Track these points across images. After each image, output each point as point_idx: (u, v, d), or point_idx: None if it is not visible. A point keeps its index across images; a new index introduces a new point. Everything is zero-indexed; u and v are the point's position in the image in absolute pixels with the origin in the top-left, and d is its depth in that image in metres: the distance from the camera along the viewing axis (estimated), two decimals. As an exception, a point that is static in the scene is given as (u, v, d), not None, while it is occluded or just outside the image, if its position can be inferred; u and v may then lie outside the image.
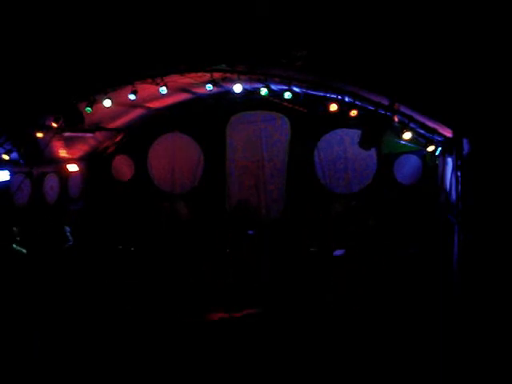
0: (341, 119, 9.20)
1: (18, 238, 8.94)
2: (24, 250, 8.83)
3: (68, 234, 10.17)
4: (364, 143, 7.89)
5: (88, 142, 11.29)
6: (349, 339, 7.47)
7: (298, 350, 7.26)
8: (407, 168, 10.75)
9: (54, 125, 8.47)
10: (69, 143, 10.71)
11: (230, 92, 8.60)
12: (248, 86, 8.79)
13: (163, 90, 8.23)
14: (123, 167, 12.49)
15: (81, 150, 11.51)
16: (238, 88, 8.21)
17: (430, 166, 10.07)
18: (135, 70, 7.86)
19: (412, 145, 8.65)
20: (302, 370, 6.74)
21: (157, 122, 11.91)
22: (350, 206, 11.00)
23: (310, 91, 8.69)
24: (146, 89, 8.41)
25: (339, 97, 7.94)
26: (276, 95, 8.81)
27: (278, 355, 7.16)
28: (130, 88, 8.20)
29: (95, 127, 10.35)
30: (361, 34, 6.44)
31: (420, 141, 8.58)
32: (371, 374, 6.55)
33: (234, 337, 7.77)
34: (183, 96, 10.68)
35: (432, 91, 6.30)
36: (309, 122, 10.89)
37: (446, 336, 6.63)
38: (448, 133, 7.13)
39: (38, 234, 9.69)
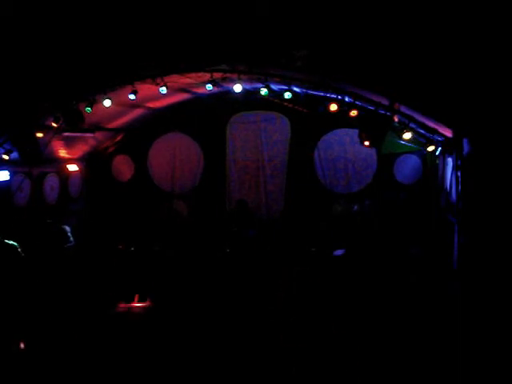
0: (341, 119, 9.22)
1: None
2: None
3: (69, 234, 10.18)
4: (363, 141, 7.92)
5: (88, 142, 11.30)
6: (349, 339, 7.47)
7: (297, 351, 7.26)
8: (407, 168, 10.78)
9: (54, 125, 8.48)
10: (69, 143, 10.73)
11: (230, 92, 8.60)
12: (248, 86, 8.80)
13: (163, 90, 8.23)
14: (123, 167, 12.51)
15: (81, 149, 11.52)
16: (237, 88, 8.21)
17: (430, 166, 10.10)
18: (135, 70, 7.87)
19: (412, 145, 8.67)
20: (303, 370, 6.74)
21: (157, 122, 11.94)
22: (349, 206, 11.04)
23: (310, 91, 8.70)
24: (145, 89, 8.42)
25: (339, 97, 7.95)
26: (276, 95, 8.82)
27: (278, 356, 7.15)
28: (129, 88, 8.20)
29: (95, 127, 10.36)
30: (361, 34, 6.44)
31: (420, 141, 8.60)
32: (371, 374, 6.56)
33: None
34: (183, 96, 10.70)
35: (432, 91, 6.30)
36: (309, 122, 10.91)
37: (446, 336, 6.63)
38: (448, 133, 7.13)
39: (38, 233, 9.70)
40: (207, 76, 8.11)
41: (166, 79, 8.10)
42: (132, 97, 8.35)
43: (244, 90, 8.35)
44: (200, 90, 9.73)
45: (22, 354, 7.11)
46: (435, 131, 7.64)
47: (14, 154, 8.56)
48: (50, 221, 9.96)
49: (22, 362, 6.84)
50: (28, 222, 9.72)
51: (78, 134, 10.22)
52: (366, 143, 7.94)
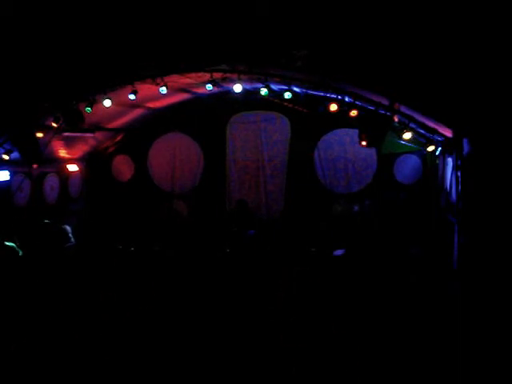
0: (341, 119, 9.22)
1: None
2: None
3: (70, 234, 10.19)
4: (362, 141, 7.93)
5: (88, 142, 11.30)
6: (349, 339, 7.47)
7: (297, 351, 7.26)
8: (407, 168, 10.78)
9: (54, 125, 8.48)
10: (69, 143, 10.73)
11: (230, 92, 8.60)
12: (248, 86, 8.80)
13: (163, 90, 8.24)
14: (123, 167, 12.52)
15: (81, 150, 11.52)
16: (237, 88, 8.21)
17: (430, 166, 10.10)
18: (135, 70, 7.87)
19: (412, 145, 8.68)
20: (303, 370, 6.74)
21: (157, 122, 11.94)
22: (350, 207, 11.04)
23: (310, 91, 8.70)
24: (146, 89, 8.42)
25: (339, 97, 7.95)
26: (276, 95, 8.82)
27: (278, 356, 7.16)
28: (129, 88, 8.21)
29: (95, 127, 10.36)
30: (361, 34, 6.44)
31: (420, 141, 8.60)
32: (371, 374, 6.55)
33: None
34: (183, 96, 10.70)
35: (432, 92, 6.31)
36: (309, 122, 10.91)
37: (446, 336, 6.62)
38: (448, 133, 7.13)
39: (38, 234, 9.71)
40: (207, 76, 8.12)
41: (166, 79, 8.11)
42: (132, 97, 8.35)
43: (244, 89, 8.35)
44: (200, 90, 9.74)
45: (17, 355, 7.11)
46: (435, 131, 7.64)
47: (15, 154, 8.56)
48: (47, 221, 9.95)
49: (18, 362, 6.85)
50: (28, 222, 9.72)
51: (78, 134, 10.23)
52: (363, 143, 7.94)
